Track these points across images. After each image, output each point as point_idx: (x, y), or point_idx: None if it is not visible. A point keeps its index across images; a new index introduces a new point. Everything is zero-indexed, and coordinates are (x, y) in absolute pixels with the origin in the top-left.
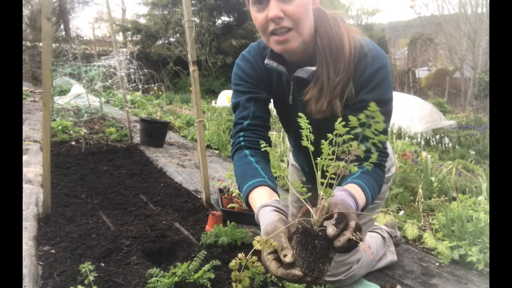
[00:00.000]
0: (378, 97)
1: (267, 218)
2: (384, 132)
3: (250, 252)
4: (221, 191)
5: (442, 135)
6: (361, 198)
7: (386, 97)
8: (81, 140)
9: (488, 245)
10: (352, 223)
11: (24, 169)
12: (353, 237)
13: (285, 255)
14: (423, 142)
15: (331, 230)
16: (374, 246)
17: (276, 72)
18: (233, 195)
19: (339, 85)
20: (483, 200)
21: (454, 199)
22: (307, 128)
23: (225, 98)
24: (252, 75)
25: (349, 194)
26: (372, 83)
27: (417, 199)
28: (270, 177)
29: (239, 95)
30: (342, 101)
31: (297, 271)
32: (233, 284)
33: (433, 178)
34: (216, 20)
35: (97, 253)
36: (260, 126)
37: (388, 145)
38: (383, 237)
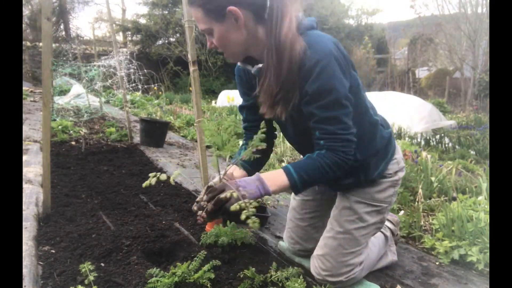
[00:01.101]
0: (319, 87)
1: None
2: (340, 122)
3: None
4: None
5: (442, 135)
6: (277, 180)
7: (328, 86)
8: (81, 140)
9: (488, 245)
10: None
11: (24, 169)
12: (206, 205)
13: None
14: (423, 142)
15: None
16: (376, 245)
17: (252, 73)
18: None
19: (280, 93)
20: (483, 200)
21: (454, 199)
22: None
23: (225, 98)
24: (240, 81)
25: (256, 177)
26: (312, 75)
27: (417, 199)
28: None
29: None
30: (287, 106)
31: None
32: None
33: (433, 178)
34: None
35: (97, 253)
36: (255, 127)
37: (398, 149)
38: (386, 236)
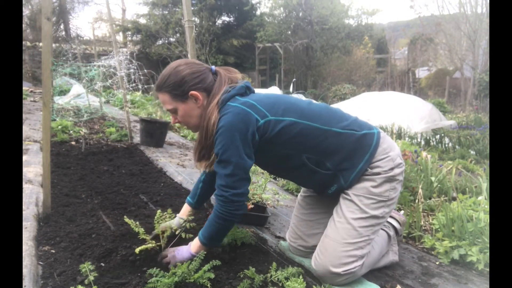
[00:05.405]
0: (216, 151)
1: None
2: (225, 176)
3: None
4: None
5: (442, 135)
6: (196, 245)
7: (216, 151)
8: (81, 140)
9: (488, 245)
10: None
11: (24, 169)
12: (164, 261)
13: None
14: (423, 142)
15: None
16: (378, 243)
17: None
18: None
19: (203, 150)
20: (483, 200)
21: (454, 199)
22: None
23: None
24: None
25: (188, 246)
26: (216, 140)
27: (417, 199)
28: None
29: None
30: (207, 161)
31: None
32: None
33: (433, 178)
34: (216, 20)
35: (97, 253)
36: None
37: (393, 147)
38: (389, 235)
